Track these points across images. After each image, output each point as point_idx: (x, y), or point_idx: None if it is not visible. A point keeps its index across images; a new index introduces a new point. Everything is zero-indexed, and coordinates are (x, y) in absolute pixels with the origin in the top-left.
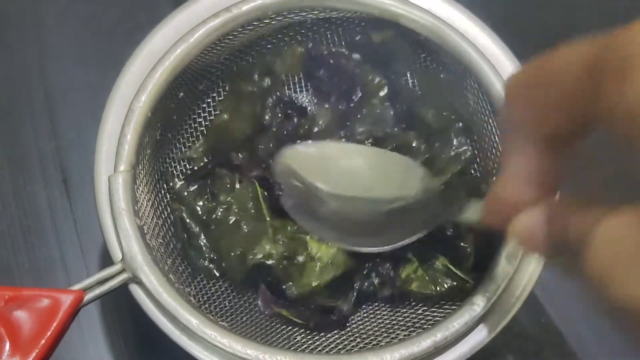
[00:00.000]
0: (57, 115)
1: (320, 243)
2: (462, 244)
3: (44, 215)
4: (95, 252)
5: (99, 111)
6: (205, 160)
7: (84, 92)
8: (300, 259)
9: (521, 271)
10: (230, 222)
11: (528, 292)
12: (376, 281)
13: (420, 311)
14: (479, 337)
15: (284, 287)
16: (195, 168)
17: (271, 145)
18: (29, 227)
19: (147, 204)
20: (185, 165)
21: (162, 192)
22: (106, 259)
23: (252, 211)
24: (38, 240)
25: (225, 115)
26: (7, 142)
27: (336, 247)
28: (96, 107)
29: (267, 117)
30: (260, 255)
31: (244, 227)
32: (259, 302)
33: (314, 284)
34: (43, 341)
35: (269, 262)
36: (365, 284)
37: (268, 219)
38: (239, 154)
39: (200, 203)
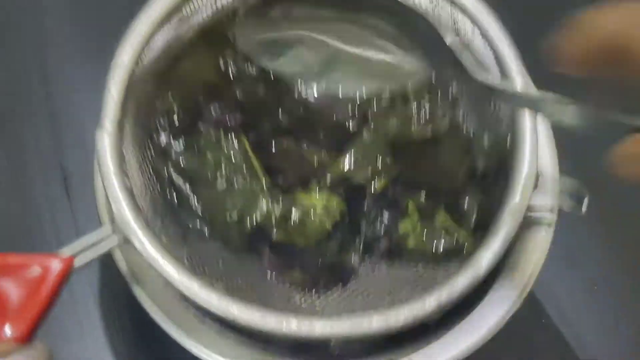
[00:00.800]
0: (57, 115)
1: (309, 194)
2: (465, 199)
3: (44, 215)
4: None
5: (99, 111)
6: (180, 113)
7: (84, 92)
8: (296, 215)
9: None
10: (222, 181)
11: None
12: (381, 230)
13: (421, 269)
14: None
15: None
16: (176, 122)
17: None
18: (29, 227)
19: (134, 164)
20: (168, 121)
21: (149, 150)
22: None
23: (243, 168)
24: (38, 240)
25: (190, 63)
26: (7, 142)
27: (326, 194)
28: (96, 107)
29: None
30: (259, 218)
31: (237, 186)
32: (266, 267)
33: (317, 236)
34: (33, 310)
35: (269, 224)
36: (369, 233)
37: (262, 175)
38: (212, 107)
39: (188, 161)
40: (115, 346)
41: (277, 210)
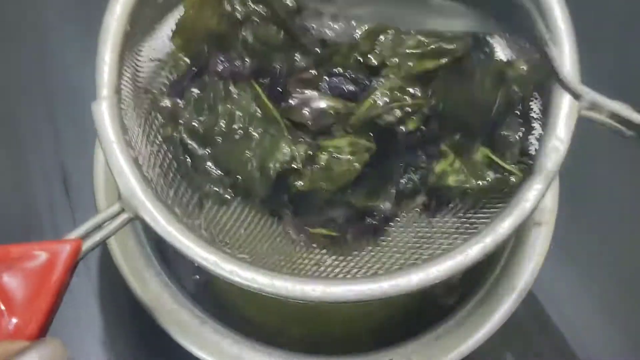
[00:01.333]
0: (57, 115)
1: (332, 138)
2: (503, 132)
3: (44, 215)
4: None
5: None
6: (185, 67)
7: (84, 92)
8: (322, 159)
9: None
10: (239, 132)
11: None
12: (415, 177)
13: (460, 214)
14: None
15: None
16: (181, 79)
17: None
18: (29, 226)
19: (138, 131)
20: (172, 79)
21: (152, 114)
22: None
23: (259, 114)
24: (38, 239)
25: (191, 11)
26: (7, 143)
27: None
28: None
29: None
30: (284, 160)
31: (255, 133)
32: (290, 231)
33: (345, 178)
34: (43, 303)
35: (295, 165)
36: (402, 178)
37: (280, 119)
38: (219, 59)
39: (200, 119)
40: (115, 346)
41: (301, 151)
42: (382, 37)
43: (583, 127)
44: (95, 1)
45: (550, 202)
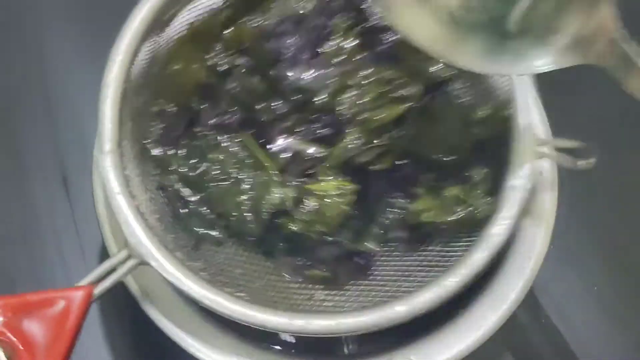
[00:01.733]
0: (57, 115)
1: (317, 181)
2: (472, 170)
3: (44, 215)
4: (95, 251)
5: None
6: (176, 119)
7: (84, 92)
8: (312, 203)
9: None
10: (230, 178)
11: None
12: (394, 216)
13: (437, 248)
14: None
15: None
16: (172, 130)
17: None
18: (28, 227)
19: (137, 180)
20: (164, 130)
21: (149, 163)
22: (106, 258)
23: (248, 160)
24: (37, 240)
25: (177, 65)
26: (7, 142)
27: (336, 178)
28: (96, 107)
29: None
30: (275, 202)
31: (246, 179)
32: (286, 273)
33: (337, 219)
34: (61, 346)
35: (285, 208)
36: (382, 217)
37: (268, 164)
38: (208, 108)
39: (192, 167)
40: (116, 346)
41: (291, 194)
42: (343, 97)
43: None
44: (95, 1)
45: (550, 202)
